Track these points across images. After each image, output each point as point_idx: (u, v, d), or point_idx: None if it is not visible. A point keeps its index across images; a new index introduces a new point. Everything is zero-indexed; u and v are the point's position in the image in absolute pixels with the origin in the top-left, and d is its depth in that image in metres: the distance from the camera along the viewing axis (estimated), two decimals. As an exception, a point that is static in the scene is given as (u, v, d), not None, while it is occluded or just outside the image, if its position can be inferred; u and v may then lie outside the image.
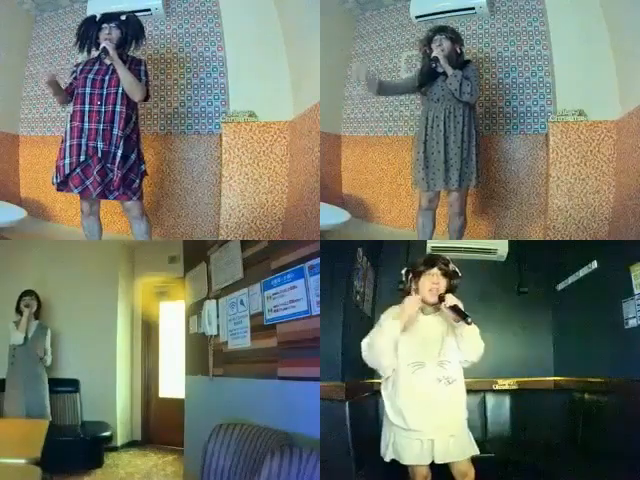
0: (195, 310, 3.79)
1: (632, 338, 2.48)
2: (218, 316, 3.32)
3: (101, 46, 3.07)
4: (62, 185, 3.16)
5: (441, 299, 2.12)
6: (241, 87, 3.70)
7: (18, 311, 4.04)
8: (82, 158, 3.08)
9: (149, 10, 3.76)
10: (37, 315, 4.12)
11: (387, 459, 2.20)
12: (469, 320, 2.05)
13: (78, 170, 3.10)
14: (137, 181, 3.19)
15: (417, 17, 4.01)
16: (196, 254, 3.80)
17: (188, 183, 3.88)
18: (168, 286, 5.07)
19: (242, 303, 2.98)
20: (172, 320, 4.97)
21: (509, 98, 3.81)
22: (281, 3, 3.54)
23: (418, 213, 3.52)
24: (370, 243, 3.29)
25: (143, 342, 5.23)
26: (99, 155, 3.07)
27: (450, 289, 2.17)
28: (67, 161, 3.10)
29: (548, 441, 2.95)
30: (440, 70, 3.28)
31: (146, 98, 3.21)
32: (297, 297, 2.41)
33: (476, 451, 2.20)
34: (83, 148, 3.08)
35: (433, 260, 2.21)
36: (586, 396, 2.90)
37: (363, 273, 3.03)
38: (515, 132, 3.81)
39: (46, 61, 4.14)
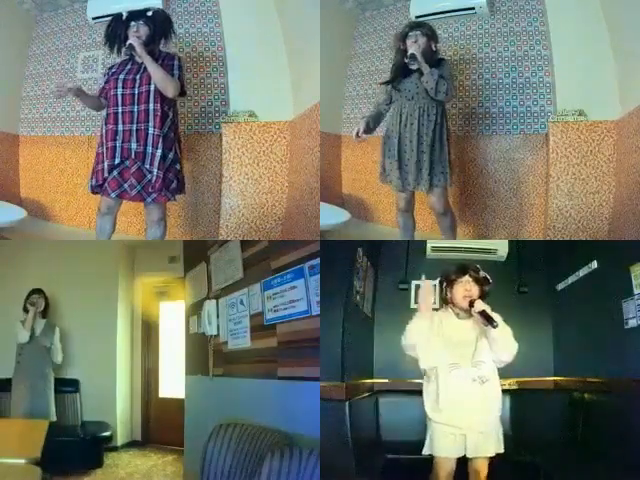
0: (195, 310, 3.79)
1: (632, 338, 2.48)
2: (218, 316, 3.32)
3: (127, 43, 3.02)
4: (98, 188, 3.11)
5: (471, 304, 2.24)
6: (241, 87, 3.69)
7: (25, 310, 4.02)
8: (116, 161, 3.04)
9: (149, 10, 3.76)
10: (45, 314, 4.11)
11: (425, 452, 2.33)
12: (495, 324, 2.17)
13: (115, 173, 3.06)
14: (175, 181, 3.15)
15: (417, 17, 4.00)
16: (196, 254, 3.80)
17: (188, 183, 3.86)
18: (168, 286, 5.07)
19: (242, 303, 2.98)
20: (172, 320, 4.97)
21: (509, 98, 3.81)
22: (281, 3, 3.54)
23: (397, 215, 3.54)
24: (370, 243, 3.29)
25: (143, 342, 5.23)
26: (133, 156, 3.03)
27: (482, 295, 2.29)
28: (105, 165, 3.06)
29: (548, 441, 2.95)
30: (414, 67, 3.24)
31: (182, 93, 3.16)
32: (297, 297, 2.41)
33: (501, 449, 2.32)
34: (118, 150, 3.04)
35: (464, 268, 2.34)
36: (586, 396, 2.90)
37: (363, 273, 3.03)
38: (515, 132, 3.81)
39: (46, 61, 4.14)
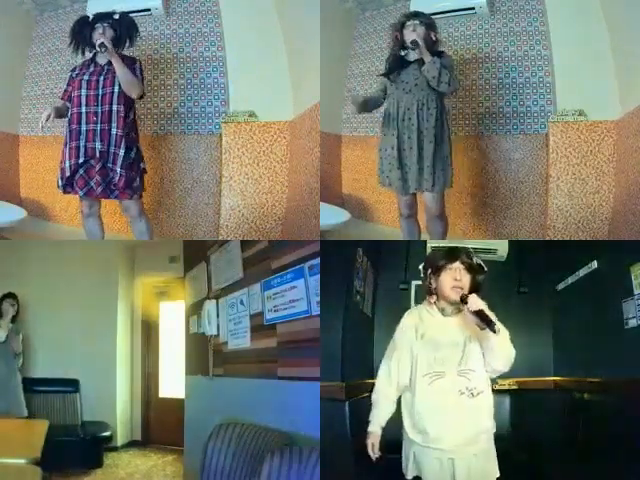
0: (195, 310, 3.79)
1: (632, 338, 2.48)
2: (218, 316, 3.32)
3: (98, 42, 3.06)
4: (67, 187, 3.19)
5: (463, 300, 1.84)
6: (241, 87, 3.70)
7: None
8: (81, 160, 3.11)
9: (149, 10, 3.76)
10: (14, 318, 4.09)
11: (409, 477, 1.99)
12: (496, 328, 1.78)
13: (81, 172, 3.14)
14: (137, 179, 3.20)
15: (417, 17, 4.00)
16: (196, 254, 3.80)
17: (188, 183, 3.88)
18: (168, 286, 5.07)
19: (242, 303, 2.98)
20: (172, 320, 4.97)
21: (509, 98, 3.80)
22: (281, 3, 3.54)
23: (400, 221, 3.40)
24: (370, 243, 3.29)
25: (143, 342, 5.24)
26: (97, 155, 3.10)
27: (474, 286, 1.92)
28: (67, 164, 3.14)
29: (548, 441, 2.95)
30: (412, 58, 3.12)
31: (141, 96, 3.23)
32: (297, 297, 2.40)
33: (496, 473, 1.97)
34: (82, 150, 3.12)
35: (455, 253, 1.94)
36: (586, 396, 2.90)
37: (363, 273, 3.03)
38: (515, 132, 3.81)
39: (46, 61, 4.14)
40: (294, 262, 2.45)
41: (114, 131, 3.09)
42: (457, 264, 1.93)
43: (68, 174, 3.14)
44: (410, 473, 1.99)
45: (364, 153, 4.46)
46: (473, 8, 3.82)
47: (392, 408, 1.99)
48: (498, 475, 1.97)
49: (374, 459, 1.97)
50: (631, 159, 3.20)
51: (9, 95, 4.15)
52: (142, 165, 3.24)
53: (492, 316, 1.83)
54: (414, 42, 3.04)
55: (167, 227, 3.87)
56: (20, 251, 4.59)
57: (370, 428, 1.99)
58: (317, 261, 2.28)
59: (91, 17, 3.15)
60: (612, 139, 3.40)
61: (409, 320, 2.03)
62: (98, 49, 3.09)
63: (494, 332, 1.78)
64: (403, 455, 2.04)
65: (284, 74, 3.58)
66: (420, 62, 3.09)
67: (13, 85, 4.16)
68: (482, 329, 1.82)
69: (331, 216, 3.50)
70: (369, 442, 1.97)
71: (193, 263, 3.91)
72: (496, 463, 1.99)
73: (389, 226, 4.32)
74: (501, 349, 1.86)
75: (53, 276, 4.64)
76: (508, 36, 3.79)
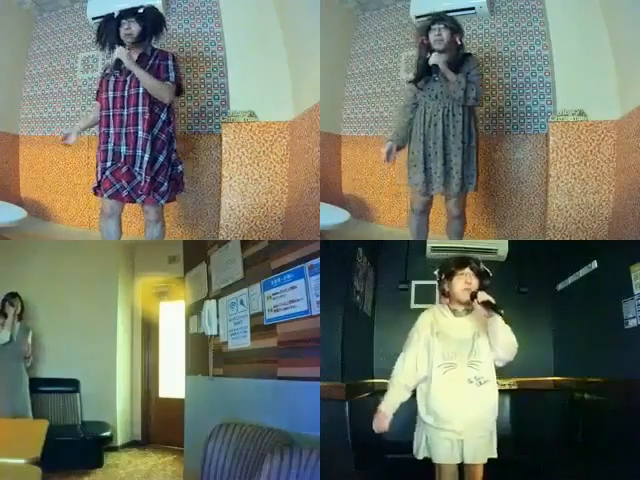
0: (195, 310, 3.79)
1: (632, 338, 2.48)
2: (218, 316, 3.32)
3: (114, 57, 3.03)
4: (97, 190, 3.16)
5: (473, 297, 2.15)
6: (241, 87, 3.69)
7: (2, 313, 4.03)
8: (108, 164, 3.08)
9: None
10: (20, 317, 4.10)
11: (420, 457, 2.23)
12: (502, 312, 2.09)
13: (108, 174, 3.08)
14: (165, 184, 3.15)
15: (417, 17, 4.00)
16: (196, 254, 3.80)
17: (188, 183, 3.86)
18: (168, 286, 5.07)
19: (242, 303, 2.97)
20: (172, 320, 4.97)
21: (509, 98, 3.81)
22: (281, 3, 3.54)
23: (411, 217, 3.42)
24: (370, 243, 3.29)
25: (143, 342, 5.24)
26: (123, 160, 3.06)
27: (481, 289, 2.20)
28: (99, 167, 3.11)
29: (548, 441, 2.95)
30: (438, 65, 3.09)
31: (180, 93, 3.20)
32: (297, 297, 2.40)
33: (494, 454, 2.22)
34: (109, 154, 3.08)
35: (465, 261, 2.25)
36: (586, 396, 2.90)
37: (363, 273, 3.03)
38: (515, 132, 3.81)
39: (46, 61, 4.14)
40: (294, 262, 2.45)
41: (140, 134, 3.04)
42: (467, 270, 2.22)
43: (100, 177, 3.10)
44: (421, 454, 2.22)
45: (364, 153, 4.46)
46: (473, 8, 3.83)
47: (403, 395, 2.22)
48: (495, 456, 2.21)
49: (376, 432, 2.19)
50: (631, 159, 3.20)
51: (9, 95, 4.14)
52: (172, 171, 3.16)
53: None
54: (434, 66, 3.07)
55: (167, 227, 3.86)
56: (20, 251, 4.59)
57: (381, 406, 2.21)
58: (317, 261, 2.28)
59: (116, 14, 3.07)
60: (612, 139, 3.41)
61: (426, 320, 2.28)
62: (115, 65, 3.05)
63: (500, 314, 2.09)
64: (415, 440, 2.27)
65: (284, 74, 3.58)
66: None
67: (13, 85, 4.16)
68: (490, 316, 2.11)
69: (331, 216, 3.51)
70: (377, 418, 2.19)
71: (193, 263, 3.91)
72: (495, 445, 2.22)
73: (389, 226, 4.32)
74: (504, 333, 2.13)
75: (53, 276, 4.63)
76: (508, 36, 3.79)
